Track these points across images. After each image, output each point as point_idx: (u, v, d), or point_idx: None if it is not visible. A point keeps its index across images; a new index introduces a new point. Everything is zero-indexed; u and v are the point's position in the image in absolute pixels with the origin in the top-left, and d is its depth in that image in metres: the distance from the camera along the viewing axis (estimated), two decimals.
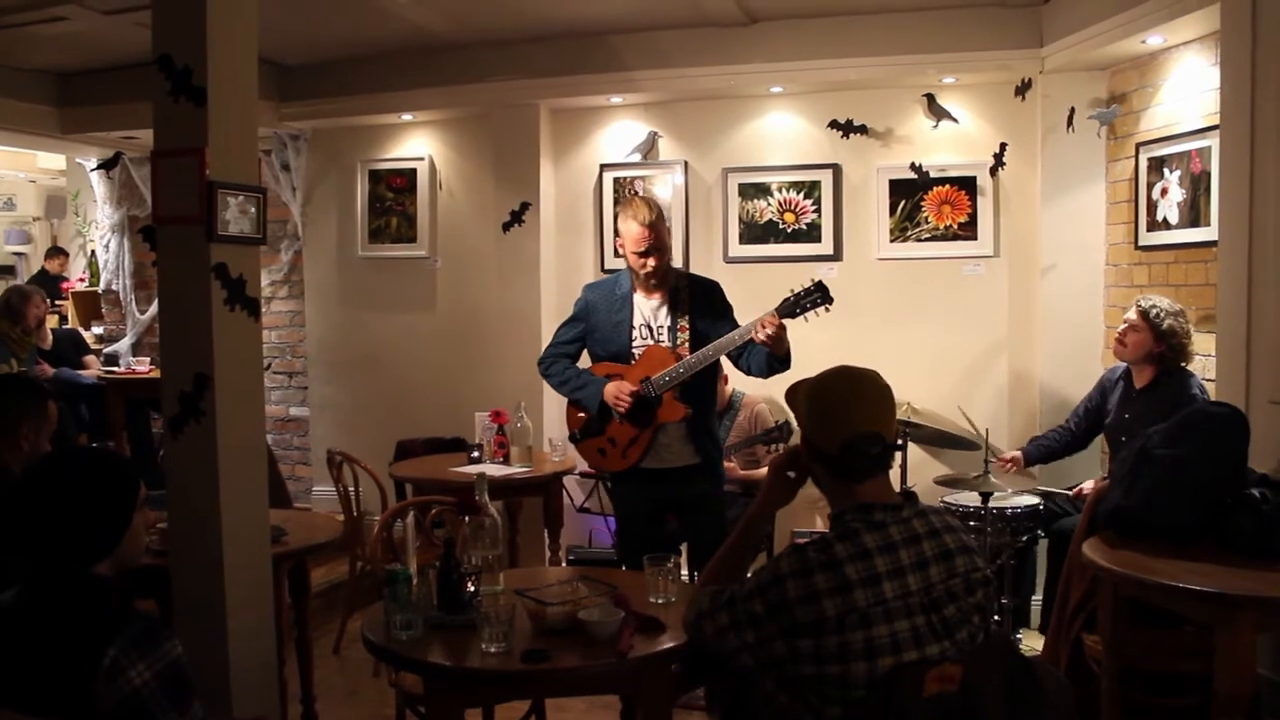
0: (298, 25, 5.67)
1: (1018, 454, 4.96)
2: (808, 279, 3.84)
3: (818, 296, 3.76)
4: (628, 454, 3.95)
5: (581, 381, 4.01)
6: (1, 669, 1.96)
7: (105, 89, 6.55)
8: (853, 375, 2.30)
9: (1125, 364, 4.59)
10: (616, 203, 6.15)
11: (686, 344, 3.90)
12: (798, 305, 3.77)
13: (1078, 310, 5.36)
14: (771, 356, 3.81)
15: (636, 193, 4.13)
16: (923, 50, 5.40)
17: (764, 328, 3.69)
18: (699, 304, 3.99)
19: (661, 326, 3.97)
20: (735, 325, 3.91)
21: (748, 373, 3.96)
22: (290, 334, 7.36)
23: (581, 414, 4.08)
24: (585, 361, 4.15)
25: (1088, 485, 4.71)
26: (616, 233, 4.03)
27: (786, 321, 3.74)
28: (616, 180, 6.18)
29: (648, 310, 4.00)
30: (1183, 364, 4.41)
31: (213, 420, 3.16)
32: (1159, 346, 4.39)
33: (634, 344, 3.99)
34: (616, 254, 6.16)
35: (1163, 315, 4.37)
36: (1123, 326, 4.53)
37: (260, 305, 3.34)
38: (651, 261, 3.90)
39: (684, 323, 3.95)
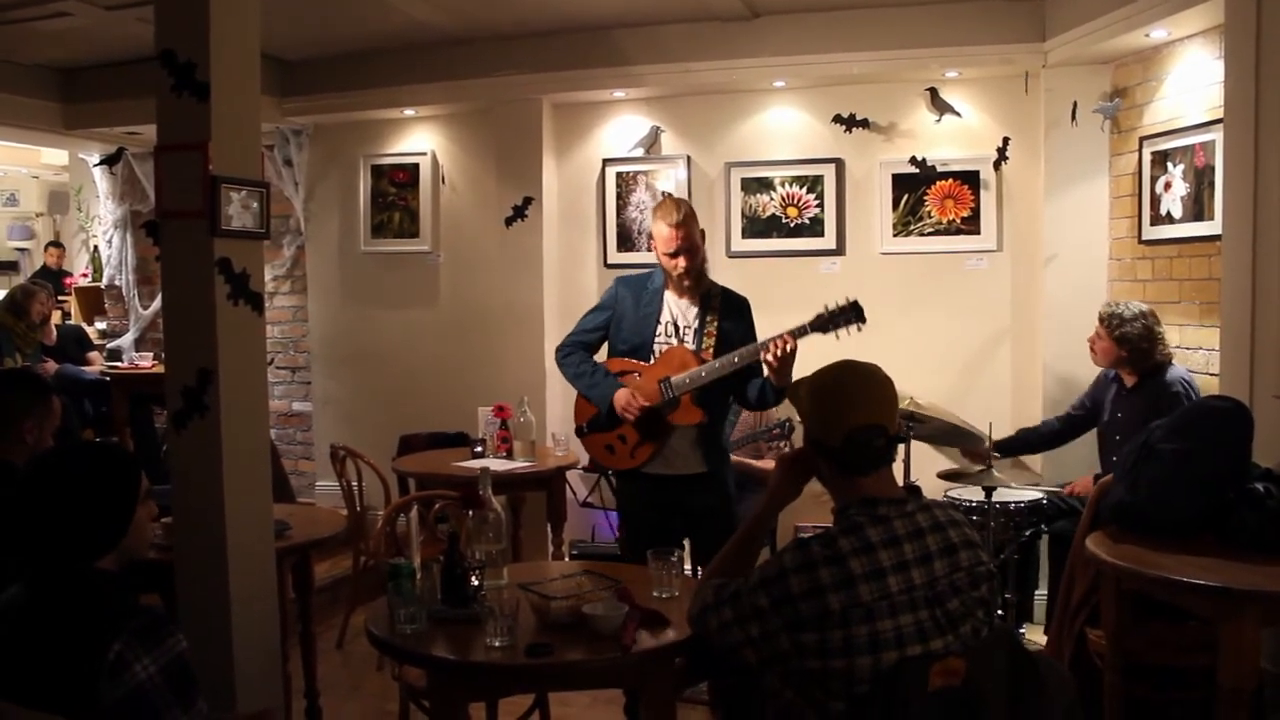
0: (300, 20, 5.66)
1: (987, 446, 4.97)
2: (843, 297, 3.77)
3: (851, 314, 3.72)
4: (636, 454, 3.91)
5: (595, 380, 3.93)
6: (7, 664, 1.96)
7: (108, 84, 6.56)
8: (855, 369, 2.31)
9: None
10: (619, 197, 6.17)
11: (711, 348, 3.83)
12: (831, 321, 3.73)
13: (1081, 304, 5.34)
14: (767, 384, 3.77)
15: (668, 194, 4.07)
16: (926, 44, 5.39)
17: (776, 348, 3.62)
18: (729, 313, 3.93)
19: (689, 326, 3.90)
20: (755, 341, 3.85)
21: (743, 403, 3.95)
22: (293, 329, 7.37)
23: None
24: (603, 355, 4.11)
25: (1078, 484, 4.73)
26: (650, 234, 3.99)
27: (816, 336, 3.71)
28: (619, 175, 6.19)
29: (678, 308, 3.94)
30: (1159, 363, 4.46)
31: (216, 415, 3.17)
32: (1122, 351, 4.48)
33: (658, 339, 3.91)
34: (610, 249, 6.19)
35: (1118, 321, 4.47)
36: (1091, 335, 4.63)
37: (264, 300, 3.34)
38: (681, 262, 3.84)
39: (712, 327, 3.88)
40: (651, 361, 3.89)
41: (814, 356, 2.89)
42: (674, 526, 3.96)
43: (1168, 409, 4.01)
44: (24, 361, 6.63)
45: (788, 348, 3.61)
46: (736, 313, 3.96)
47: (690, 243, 3.84)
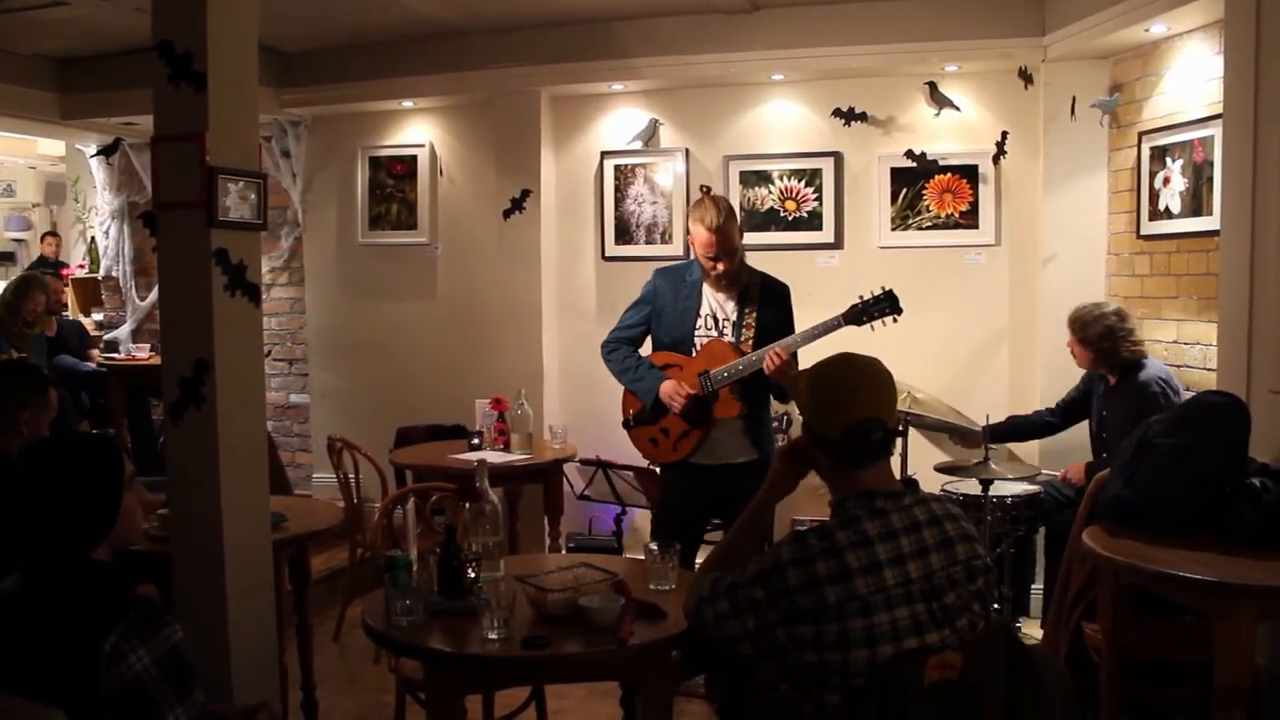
0: (299, 11, 5.64)
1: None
2: (878, 286, 3.78)
3: (886, 305, 3.73)
4: (679, 446, 3.93)
5: (640, 373, 3.97)
6: (3, 655, 1.96)
7: (106, 74, 6.53)
8: (854, 361, 2.30)
9: None
10: (618, 189, 6.16)
11: (751, 340, 3.85)
12: (865, 313, 3.73)
13: (1079, 299, 5.30)
14: (769, 383, 3.82)
15: (708, 190, 4.04)
16: (925, 38, 5.38)
17: (774, 358, 3.67)
18: (768, 302, 3.94)
19: (727, 319, 3.92)
20: (792, 331, 3.89)
21: (770, 392, 3.98)
22: (290, 321, 7.35)
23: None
24: (647, 348, 4.12)
25: (1070, 470, 4.75)
26: (687, 230, 3.98)
27: (851, 328, 3.73)
28: (618, 168, 6.18)
29: (716, 301, 3.95)
30: (1128, 360, 4.51)
31: (213, 406, 3.16)
32: (1090, 353, 4.58)
33: (698, 332, 3.94)
34: (608, 242, 6.19)
35: (1079, 325, 4.60)
36: (1068, 339, 4.71)
37: (260, 291, 3.33)
38: (721, 266, 3.85)
39: (751, 319, 3.89)
40: (693, 355, 3.90)
41: (816, 348, 2.89)
42: (714, 515, 4.00)
43: (1149, 409, 4.06)
44: (19, 356, 6.57)
45: (778, 363, 3.66)
46: (776, 301, 3.98)
47: (729, 246, 3.84)
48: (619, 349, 4.08)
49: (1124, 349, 4.50)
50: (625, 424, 4.10)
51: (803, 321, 3.90)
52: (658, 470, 4.32)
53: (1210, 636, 2.78)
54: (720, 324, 3.93)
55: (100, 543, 2.10)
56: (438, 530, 4.16)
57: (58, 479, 2.08)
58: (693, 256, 4.01)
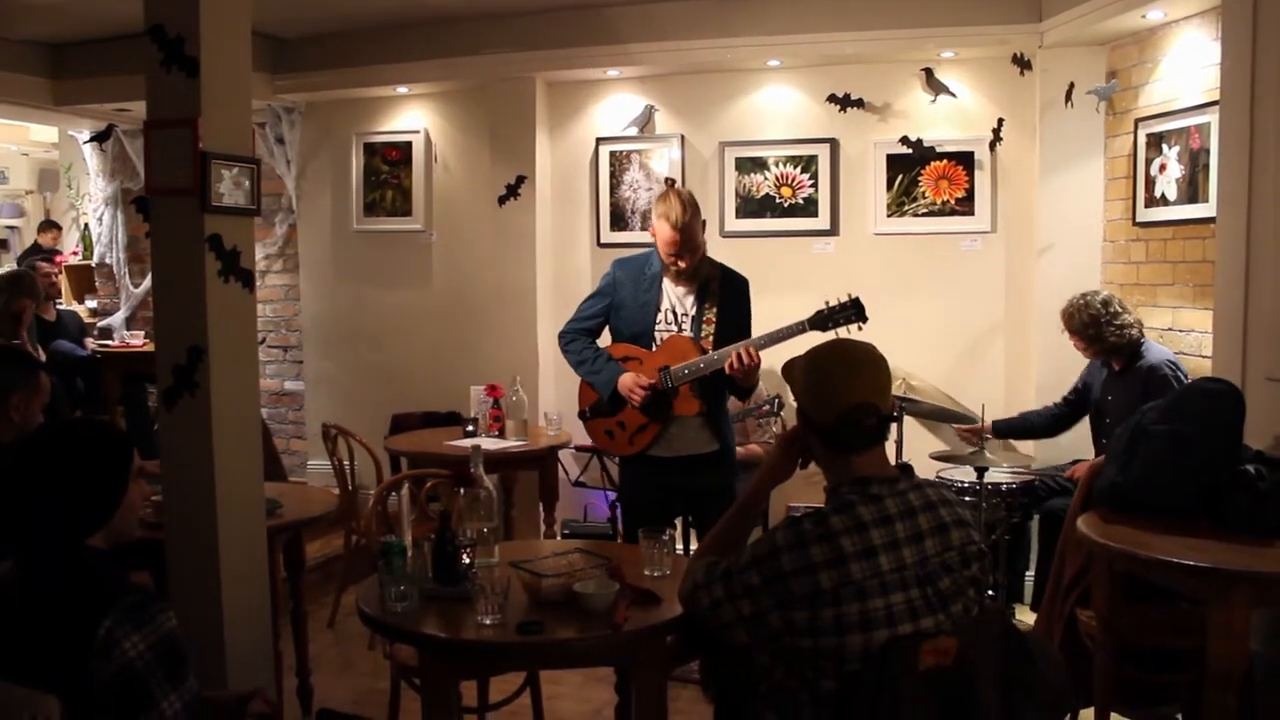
0: None
1: (986, 424, 5.00)
2: (845, 293, 3.75)
3: (852, 313, 3.70)
4: (635, 440, 3.89)
5: (598, 366, 3.90)
6: None
7: (98, 60, 6.50)
8: (848, 348, 2.30)
9: None
10: (613, 176, 6.15)
11: (711, 336, 3.80)
12: (830, 319, 3.70)
13: (1075, 286, 5.31)
14: (732, 383, 3.77)
15: (672, 183, 3.93)
16: (921, 24, 5.36)
17: (739, 359, 3.60)
18: (728, 298, 3.89)
19: (687, 314, 3.87)
20: (749, 326, 3.86)
21: (729, 389, 3.92)
22: (285, 308, 7.34)
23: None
24: (606, 339, 4.07)
25: (1079, 469, 4.74)
26: (652, 221, 3.93)
27: (815, 333, 3.69)
28: (613, 154, 6.16)
29: (675, 295, 3.90)
30: (1117, 344, 4.52)
31: (207, 393, 3.15)
32: (1081, 342, 4.61)
33: (658, 327, 3.88)
34: (603, 228, 6.18)
35: (1066, 318, 4.65)
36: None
37: (254, 277, 3.32)
38: (683, 263, 3.81)
39: (711, 315, 3.84)
40: (653, 349, 3.87)
41: (810, 335, 2.89)
42: (676, 508, 3.96)
43: (1158, 392, 4.05)
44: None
45: (745, 363, 3.60)
46: (735, 297, 3.92)
47: (693, 243, 3.79)
48: (577, 339, 4.00)
49: (1109, 334, 4.50)
50: (581, 415, 4.04)
51: (793, 308, 3.87)
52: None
53: (1205, 623, 2.78)
54: (679, 319, 3.88)
55: (98, 530, 2.10)
56: (432, 517, 4.16)
57: (66, 464, 2.08)
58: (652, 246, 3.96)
